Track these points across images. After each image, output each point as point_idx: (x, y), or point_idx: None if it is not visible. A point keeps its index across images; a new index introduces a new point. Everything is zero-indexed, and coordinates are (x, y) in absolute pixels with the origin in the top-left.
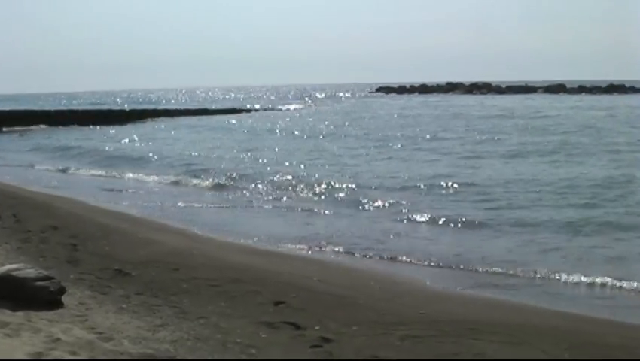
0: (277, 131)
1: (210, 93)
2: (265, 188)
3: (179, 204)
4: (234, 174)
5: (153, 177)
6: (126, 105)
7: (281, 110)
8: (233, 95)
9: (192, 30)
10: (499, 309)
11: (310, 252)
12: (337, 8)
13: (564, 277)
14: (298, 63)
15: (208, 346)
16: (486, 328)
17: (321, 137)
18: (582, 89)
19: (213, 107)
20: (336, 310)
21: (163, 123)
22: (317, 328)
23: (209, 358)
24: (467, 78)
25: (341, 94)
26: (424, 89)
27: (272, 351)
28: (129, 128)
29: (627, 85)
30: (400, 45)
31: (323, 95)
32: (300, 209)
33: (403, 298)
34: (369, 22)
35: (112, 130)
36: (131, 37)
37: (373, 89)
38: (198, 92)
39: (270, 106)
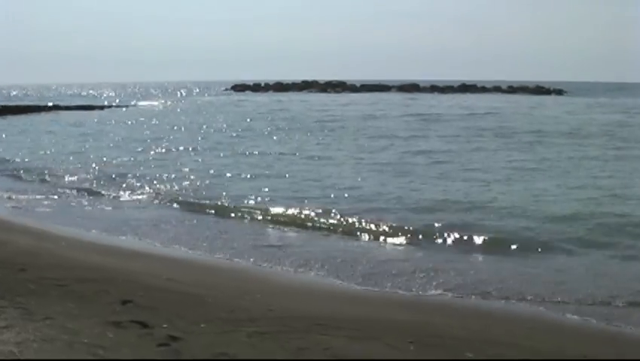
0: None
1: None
2: None
3: None
4: None
5: None
6: None
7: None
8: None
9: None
10: (348, 303)
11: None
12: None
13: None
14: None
15: (54, 347)
16: (334, 323)
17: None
18: (435, 88)
19: None
20: (185, 308)
21: None
22: (165, 326)
23: (55, 359)
24: (324, 76)
25: (196, 90)
26: (279, 87)
27: (119, 351)
28: None
29: (478, 85)
30: (258, 41)
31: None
32: None
33: (253, 295)
34: (225, 17)
35: None
36: None
37: (229, 87)
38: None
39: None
